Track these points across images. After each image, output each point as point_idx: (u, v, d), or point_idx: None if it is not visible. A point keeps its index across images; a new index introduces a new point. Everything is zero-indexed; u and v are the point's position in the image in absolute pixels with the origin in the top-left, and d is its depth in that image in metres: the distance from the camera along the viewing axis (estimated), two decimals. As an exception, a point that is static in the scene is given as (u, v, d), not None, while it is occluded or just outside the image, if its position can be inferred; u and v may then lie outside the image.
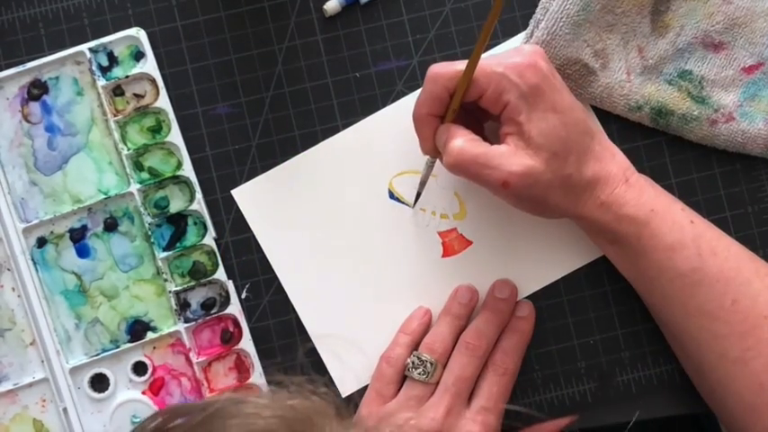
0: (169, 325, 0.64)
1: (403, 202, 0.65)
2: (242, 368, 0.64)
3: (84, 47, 0.64)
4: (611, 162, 0.59)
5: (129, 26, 0.65)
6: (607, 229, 0.59)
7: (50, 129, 0.64)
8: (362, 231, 0.65)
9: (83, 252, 0.64)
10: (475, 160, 0.56)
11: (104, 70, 0.64)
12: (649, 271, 0.59)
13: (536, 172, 0.56)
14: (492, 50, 0.65)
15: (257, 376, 0.64)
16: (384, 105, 0.65)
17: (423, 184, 0.63)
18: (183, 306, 0.64)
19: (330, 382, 0.64)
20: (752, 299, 0.57)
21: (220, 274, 0.64)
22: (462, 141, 0.57)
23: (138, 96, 0.65)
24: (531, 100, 0.56)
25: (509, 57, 0.57)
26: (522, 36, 0.65)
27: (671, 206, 0.59)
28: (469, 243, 0.65)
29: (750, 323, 0.57)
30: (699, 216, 0.60)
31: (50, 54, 0.64)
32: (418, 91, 0.65)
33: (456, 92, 0.57)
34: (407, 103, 0.65)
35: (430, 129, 0.59)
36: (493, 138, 0.59)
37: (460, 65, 0.57)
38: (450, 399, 0.59)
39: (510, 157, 0.56)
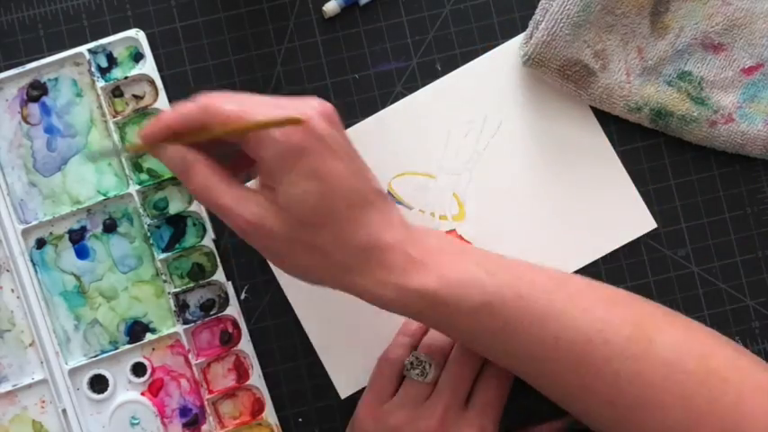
0: (168, 326, 0.64)
1: (402, 204, 0.65)
2: (241, 369, 0.64)
3: (83, 48, 0.64)
4: (387, 233, 0.53)
5: (129, 27, 0.65)
6: (395, 306, 0.54)
7: (50, 130, 0.64)
8: (362, 232, 0.65)
9: (82, 253, 0.64)
10: (216, 200, 0.53)
11: (104, 71, 0.64)
12: (464, 339, 0.56)
13: (270, 228, 0.52)
14: (491, 51, 0.65)
15: (256, 377, 0.64)
16: (383, 106, 0.65)
17: (103, 154, 0.61)
18: (182, 307, 0.64)
19: (329, 384, 0.65)
20: (572, 328, 0.53)
21: (219, 275, 0.64)
22: (206, 176, 0.53)
23: (138, 97, 0.65)
24: (290, 161, 0.51)
25: (284, 107, 0.52)
26: (521, 37, 0.65)
27: (463, 267, 0.54)
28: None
29: (577, 352, 0.53)
30: (495, 259, 0.56)
31: (50, 55, 0.64)
32: (418, 92, 0.65)
33: (202, 134, 0.52)
34: (406, 104, 0.65)
35: (161, 136, 0.54)
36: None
37: (234, 106, 0.51)
38: (447, 399, 0.59)
39: (248, 204, 0.52)
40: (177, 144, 0.54)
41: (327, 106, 0.54)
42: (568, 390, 0.55)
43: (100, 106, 0.64)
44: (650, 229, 0.65)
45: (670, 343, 0.54)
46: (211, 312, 0.64)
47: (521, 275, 0.55)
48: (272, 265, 0.64)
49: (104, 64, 0.64)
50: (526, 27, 0.65)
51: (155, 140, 0.54)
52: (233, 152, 0.56)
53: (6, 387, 0.63)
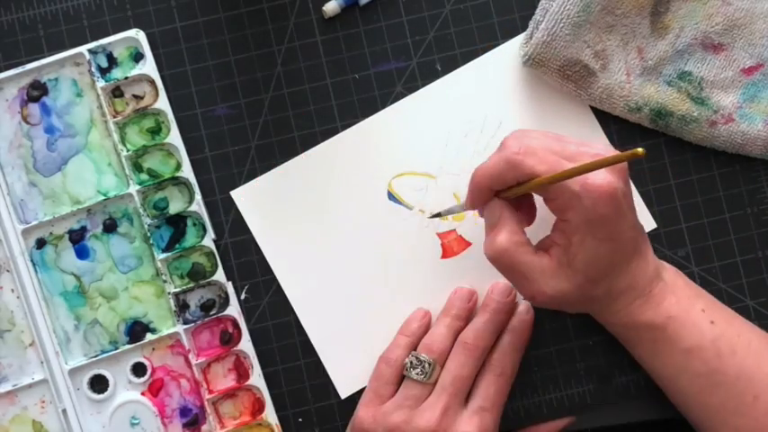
0: (168, 326, 0.64)
1: (402, 204, 0.65)
2: (241, 369, 0.64)
3: (83, 48, 0.64)
4: (642, 276, 0.58)
5: (129, 27, 0.65)
6: (620, 332, 0.60)
7: (50, 130, 0.64)
8: (362, 233, 0.65)
9: (82, 253, 0.64)
10: (513, 267, 0.56)
11: (104, 71, 0.64)
12: (666, 370, 0.59)
13: (566, 297, 0.56)
14: (491, 51, 0.65)
15: (256, 377, 0.64)
16: (383, 106, 0.65)
17: (449, 212, 0.63)
18: (182, 307, 0.64)
19: (329, 384, 0.65)
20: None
21: (219, 275, 0.64)
22: (507, 241, 0.56)
23: (138, 98, 0.65)
24: (593, 227, 0.54)
25: (595, 175, 0.54)
26: (521, 37, 0.65)
27: (691, 310, 0.58)
28: (469, 244, 0.65)
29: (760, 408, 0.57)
30: (721, 310, 0.60)
31: (50, 55, 0.64)
32: (418, 92, 0.65)
33: (521, 188, 0.56)
34: (407, 104, 0.65)
35: (484, 197, 0.58)
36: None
37: (543, 164, 0.54)
38: (446, 399, 0.59)
39: (546, 278, 0.56)
40: (499, 198, 0.57)
41: (624, 165, 0.56)
42: None
43: (100, 106, 0.64)
44: (650, 229, 0.65)
45: None
46: (211, 312, 0.64)
47: (740, 333, 0.58)
48: (271, 266, 0.64)
49: (104, 64, 0.64)
50: (526, 27, 0.65)
51: (481, 202, 0.58)
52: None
53: (6, 387, 0.63)
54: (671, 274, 0.60)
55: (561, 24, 0.62)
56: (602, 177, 0.54)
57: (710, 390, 0.58)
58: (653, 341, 0.58)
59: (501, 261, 0.57)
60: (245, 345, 0.64)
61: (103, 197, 0.64)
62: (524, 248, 0.57)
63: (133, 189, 0.64)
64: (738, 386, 0.57)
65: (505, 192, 0.57)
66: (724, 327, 0.58)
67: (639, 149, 0.48)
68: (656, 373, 0.60)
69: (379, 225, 0.65)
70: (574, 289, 0.56)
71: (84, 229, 0.64)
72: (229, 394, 0.64)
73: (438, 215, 0.64)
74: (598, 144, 0.56)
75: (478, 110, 0.65)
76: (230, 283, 0.64)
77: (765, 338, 0.60)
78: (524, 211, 0.59)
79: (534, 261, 0.56)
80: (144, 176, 0.64)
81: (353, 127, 0.65)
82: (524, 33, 0.65)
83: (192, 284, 0.64)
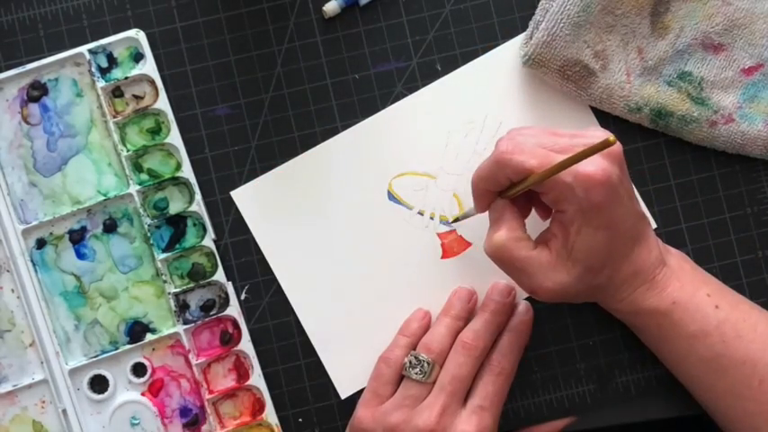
0: (168, 326, 0.64)
1: (402, 204, 0.65)
2: (241, 369, 0.64)
3: (83, 48, 0.64)
4: (645, 262, 0.58)
5: (129, 27, 0.65)
6: (626, 319, 0.60)
7: (50, 130, 0.64)
8: (362, 233, 0.65)
9: (82, 253, 0.64)
10: (512, 263, 0.57)
11: (104, 72, 0.64)
12: (672, 355, 0.60)
13: (568, 289, 0.56)
14: (491, 51, 0.65)
15: (256, 378, 0.64)
16: (383, 107, 0.65)
17: (466, 215, 0.63)
18: (182, 307, 0.64)
19: (329, 384, 0.65)
20: None
21: (220, 275, 0.64)
22: (506, 238, 0.57)
23: (138, 98, 0.65)
24: (588, 216, 0.55)
25: (589, 165, 0.54)
26: (521, 37, 0.65)
27: (695, 294, 0.58)
28: (469, 244, 0.65)
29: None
30: (727, 294, 0.60)
31: (50, 55, 0.64)
32: (418, 92, 0.65)
33: (518, 186, 0.56)
34: (407, 104, 0.65)
35: (485, 200, 0.59)
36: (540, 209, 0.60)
37: (532, 159, 0.54)
38: (445, 398, 0.59)
39: (546, 271, 0.56)
40: (501, 198, 0.58)
41: (618, 148, 0.56)
42: (755, 426, 0.58)
43: (100, 106, 0.64)
44: (650, 230, 0.65)
45: None
46: (211, 312, 0.64)
47: (745, 317, 0.58)
48: (271, 266, 0.64)
49: (104, 64, 0.64)
50: (526, 27, 0.65)
51: (486, 204, 0.59)
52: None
53: (6, 387, 0.63)
54: (677, 259, 0.60)
55: (561, 24, 0.62)
56: (594, 165, 0.54)
57: (717, 374, 0.58)
58: (658, 327, 0.58)
59: (500, 257, 0.57)
60: (245, 345, 0.64)
61: (103, 197, 0.64)
62: (523, 243, 0.57)
63: (133, 189, 0.64)
64: (744, 370, 0.57)
65: (506, 192, 0.57)
66: (729, 311, 0.58)
67: (610, 137, 0.49)
68: (663, 358, 0.61)
69: (379, 225, 0.65)
70: (574, 281, 0.56)
71: (84, 230, 0.64)
72: (229, 394, 0.64)
73: (457, 220, 0.64)
74: (595, 131, 0.56)
75: (478, 110, 0.65)
76: (230, 283, 0.64)
77: None
78: (522, 206, 0.59)
79: (533, 255, 0.57)
80: (144, 176, 0.64)
81: (353, 127, 0.65)
82: (524, 33, 0.65)
83: (192, 284, 0.64)
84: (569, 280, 0.56)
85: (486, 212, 0.59)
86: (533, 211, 0.61)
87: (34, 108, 0.64)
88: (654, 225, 0.65)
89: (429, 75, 0.65)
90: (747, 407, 0.57)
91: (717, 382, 0.58)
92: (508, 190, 0.57)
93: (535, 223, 0.60)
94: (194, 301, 0.64)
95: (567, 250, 0.56)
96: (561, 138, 0.56)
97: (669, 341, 0.59)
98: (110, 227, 0.64)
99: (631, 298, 0.58)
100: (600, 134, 0.56)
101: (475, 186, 0.58)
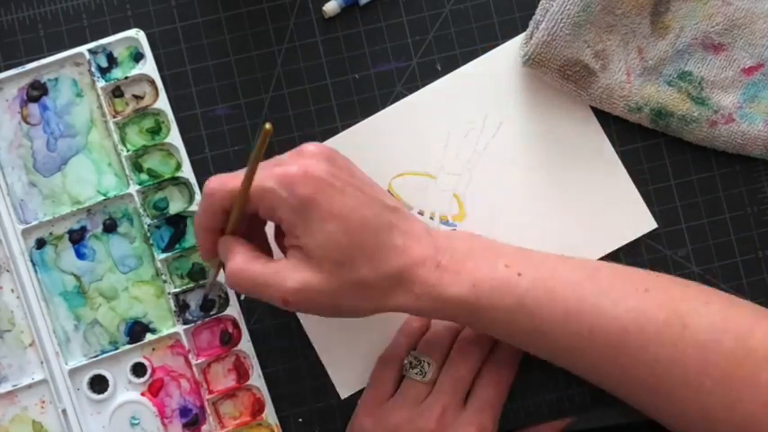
0: (168, 326, 0.64)
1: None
2: (241, 369, 0.64)
3: (83, 48, 0.64)
4: (416, 249, 0.55)
5: (129, 27, 0.65)
6: (436, 315, 0.56)
7: (49, 130, 0.64)
8: (362, 233, 0.65)
9: (82, 253, 0.64)
10: (253, 281, 0.54)
11: (104, 71, 0.64)
12: (506, 339, 0.57)
13: (315, 285, 0.53)
14: (491, 51, 0.65)
15: (256, 378, 0.64)
16: (383, 107, 0.65)
17: (210, 286, 0.62)
18: (182, 307, 0.64)
19: (329, 384, 0.65)
20: (606, 319, 0.54)
21: (220, 275, 0.64)
22: (240, 261, 0.54)
23: (138, 98, 0.65)
24: (304, 213, 0.53)
25: (284, 164, 0.53)
26: (521, 37, 0.65)
27: (494, 269, 0.55)
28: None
29: (613, 342, 0.54)
30: (525, 258, 0.56)
31: (50, 55, 0.64)
32: (418, 92, 0.65)
33: (233, 209, 0.54)
34: (407, 104, 0.65)
35: (210, 241, 0.57)
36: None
37: (235, 180, 0.54)
38: (446, 399, 0.59)
39: (285, 274, 0.53)
40: (223, 237, 0.56)
41: (322, 147, 0.55)
42: (608, 378, 0.56)
43: (100, 106, 0.64)
44: (650, 230, 0.65)
45: (705, 325, 0.54)
46: (211, 312, 0.64)
47: (552, 273, 0.55)
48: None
49: (104, 64, 0.64)
50: (526, 27, 0.65)
51: (211, 250, 0.57)
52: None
53: (6, 387, 0.63)
54: (465, 241, 0.57)
55: (561, 24, 0.62)
56: (295, 165, 0.53)
57: (548, 339, 0.55)
58: (473, 317, 0.55)
59: (241, 282, 0.55)
60: (245, 345, 0.64)
61: (103, 197, 0.64)
62: (258, 260, 0.55)
63: (133, 189, 0.64)
64: (568, 326, 0.54)
65: (227, 229, 0.56)
66: (534, 273, 0.55)
67: (266, 125, 0.49)
68: (512, 344, 0.58)
69: (379, 225, 0.65)
70: (326, 277, 0.53)
71: (84, 230, 0.64)
72: (229, 394, 0.64)
73: (212, 287, 0.63)
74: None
75: (478, 110, 0.65)
76: (230, 283, 0.64)
77: (582, 268, 0.57)
78: (258, 242, 0.58)
79: (270, 265, 0.54)
80: (144, 176, 0.64)
81: (353, 127, 0.65)
82: (524, 33, 0.65)
83: (192, 284, 0.64)
84: (318, 278, 0.53)
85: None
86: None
87: (34, 108, 0.64)
88: (654, 225, 0.65)
89: (429, 75, 0.65)
90: (587, 359, 0.55)
91: (550, 350, 0.56)
92: (227, 228, 0.56)
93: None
94: (194, 301, 0.64)
95: (305, 253, 0.53)
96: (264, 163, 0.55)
97: (492, 328, 0.56)
98: (110, 227, 0.64)
99: (426, 290, 0.54)
100: (308, 150, 0.55)
101: (196, 230, 0.57)
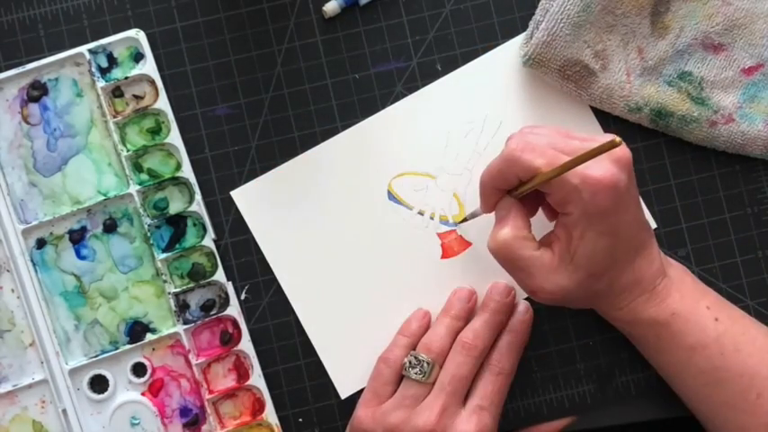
0: (168, 326, 0.64)
1: (402, 204, 0.65)
2: (241, 369, 0.64)
3: (83, 48, 0.64)
4: (646, 272, 0.58)
5: (129, 27, 0.65)
6: (624, 328, 0.60)
7: (50, 130, 0.64)
8: (362, 233, 0.65)
9: (82, 253, 0.64)
10: (514, 261, 0.57)
11: (104, 71, 0.64)
12: (670, 366, 0.60)
13: (567, 293, 0.56)
14: (491, 51, 0.65)
15: (256, 377, 0.64)
16: (383, 107, 0.65)
17: (473, 215, 0.63)
18: (182, 307, 0.64)
19: (329, 384, 0.65)
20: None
21: (220, 275, 0.64)
22: (510, 236, 0.57)
23: (138, 98, 0.65)
24: (593, 220, 0.54)
25: (592, 164, 0.54)
26: (521, 37, 0.65)
27: (695, 306, 0.58)
28: (469, 244, 0.65)
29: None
30: (726, 308, 0.59)
31: (50, 55, 0.64)
32: (418, 92, 0.65)
33: (526, 185, 0.56)
34: (407, 104, 0.65)
35: (493, 198, 0.58)
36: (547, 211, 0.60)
37: (543, 155, 0.54)
38: (445, 398, 0.59)
39: (547, 273, 0.56)
40: (508, 197, 0.58)
41: (627, 154, 0.55)
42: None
43: (100, 106, 0.64)
44: (650, 230, 0.65)
45: None
46: (212, 312, 0.64)
47: (744, 330, 0.58)
48: (271, 266, 0.64)
49: (104, 64, 0.64)
50: (526, 27, 0.65)
51: (491, 204, 0.59)
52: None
53: (6, 387, 0.63)
54: (678, 271, 0.60)
55: (561, 24, 0.62)
56: (603, 170, 0.54)
57: (714, 387, 0.58)
58: (657, 337, 0.58)
59: (503, 255, 0.57)
60: (245, 345, 0.64)
61: (103, 197, 0.64)
62: (527, 243, 0.57)
63: (133, 189, 0.64)
64: (742, 384, 0.57)
65: (514, 191, 0.57)
66: (728, 324, 0.58)
67: (616, 138, 0.49)
68: (661, 369, 0.61)
69: (379, 225, 0.65)
70: (575, 285, 0.56)
71: (84, 229, 0.64)
72: (229, 394, 0.64)
73: (465, 220, 0.64)
74: (607, 136, 0.56)
75: (478, 110, 0.65)
76: (230, 283, 0.64)
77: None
78: (530, 206, 0.59)
79: (535, 256, 0.56)
80: (144, 176, 0.64)
81: (353, 127, 0.65)
82: (524, 33, 0.65)
83: (192, 284, 0.64)
84: (570, 284, 0.56)
85: (490, 214, 0.59)
86: (540, 211, 0.60)
87: (34, 108, 0.64)
88: (654, 225, 0.65)
89: (429, 75, 0.65)
90: (743, 420, 0.57)
91: (714, 395, 0.58)
92: (515, 189, 0.57)
93: (541, 225, 0.60)
94: (194, 301, 0.64)
95: (570, 254, 0.56)
96: (573, 140, 0.56)
97: (667, 352, 0.59)
98: (110, 227, 0.64)
99: (631, 307, 0.58)
100: (618, 155, 0.56)
101: (483, 184, 0.58)
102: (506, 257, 0.57)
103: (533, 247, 0.57)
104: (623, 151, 0.55)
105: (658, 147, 0.66)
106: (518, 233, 0.57)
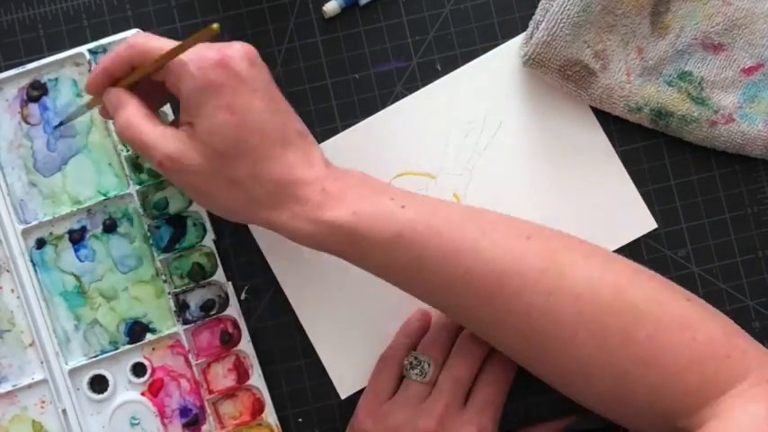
0: (168, 326, 0.64)
1: (402, 204, 0.65)
2: (241, 369, 0.64)
3: (83, 48, 0.64)
4: (305, 170, 0.55)
5: (129, 27, 0.65)
6: (313, 241, 0.56)
7: (50, 130, 0.64)
8: (362, 233, 0.65)
9: (82, 253, 0.64)
10: (140, 137, 0.55)
11: (104, 71, 0.64)
12: (380, 273, 0.57)
13: (190, 161, 0.55)
14: (491, 51, 0.65)
15: (256, 378, 0.64)
16: (383, 107, 0.65)
17: (69, 118, 0.62)
18: (182, 307, 0.64)
19: (329, 384, 0.65)
20: (483, 260, 0.54)
21: (219, 275, 0.64)
22: (133, 113, 0.56)
23: (138, 98, 0.65)
24: (205, 95, 0.54)
25: (203, 48, 0.55)
26: (521, 37, 0.65)
27: (378, 201, 0.55)
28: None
29: (489, 285, 0.54)
30: (414, 195, 0.57)
31: (50, 55, 0.64)
32: (418, 92, 0.65)
33: (141, 67, 0.56)
34: (407, 104, 0.65)
35: (101, 81, 0.57)
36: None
37: (160, 44, 0.55)
38: (446, 398, 0.59)
39: (169, 139, 0.55)
40: (117, 87, 0.57)
41: (250, 48, 0.56)
42: (483, 323, 0.56)
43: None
44: (650, 230, 0.65)
45: (583, 276, 0.54)
46: (211, 312, 0.64)
47: (435, 210, 0.56)
48: (271, 266, 0.64)
49: (104, 64, 0.64)
50: (526, 27, 0.65)
51: (98, 87, 0.57)
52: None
53: (6, 387, 0.63)
54: (357, 177, 0.57)
55: (561, 24, 0.62)
56: (212, 51, 0.54)
57: (425, 275, 0.55)
58: (350, 244, 0.55)
59: (127, 134, 0.56)
60: (245, 345, 0.64)
61: (103, 197, 0.64)
62: (149, 120, 0.56)
63: (133, 189, 0.64)
64: (446, 264, 0.54)
65: (123, 80, 0.57)
66: (417, 208, 0.55)
67: (214, 25, 0.49)
68: (389, 281, 0.57)
69: (379, 225, 0.65)
70: (202, 160, 0.54)
71: (84, 230, 0.64)
72: (229, 394, 0.64)
73: (61, 123, 0.63)
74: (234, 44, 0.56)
75: (478, 110, 0.65)
76: (230, 283, 0.64)
77: (466, 210, 0.57)
78: (151, 98, 0.59)
79: (158, 128, 0.56)
80: (144, 176, 0.64)
81: (353, 127, 0.65)
82: (524, 33, 0.65)
83: (191, 285, 0.64)
84: (195, 157, 0.54)
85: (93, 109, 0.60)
86: None
87: (34, 108, 0.64)
88: (654, 225, 0.65)
89: (429, 75, 0.65)
90: (462, 301, 0.55)
91: (421, 285, 0.56)
92: (125, 79, 0.57)
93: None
94: (194, 301, 0.64)
95: (194, 131, 0.55)
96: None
97: (369, 259, 0.56)
98: (110, 227, 0.64)
99: (308, 213, 0.55)
100: (235, 46, 0.56)
101: (96, 68, 0.57)
102: (132, 136, 0.56)
103: (157, 123, 0.56)
104: (246, 47, 0.55)
105: (658, 147, 0.66)
106: (140, 110, 0.56)
